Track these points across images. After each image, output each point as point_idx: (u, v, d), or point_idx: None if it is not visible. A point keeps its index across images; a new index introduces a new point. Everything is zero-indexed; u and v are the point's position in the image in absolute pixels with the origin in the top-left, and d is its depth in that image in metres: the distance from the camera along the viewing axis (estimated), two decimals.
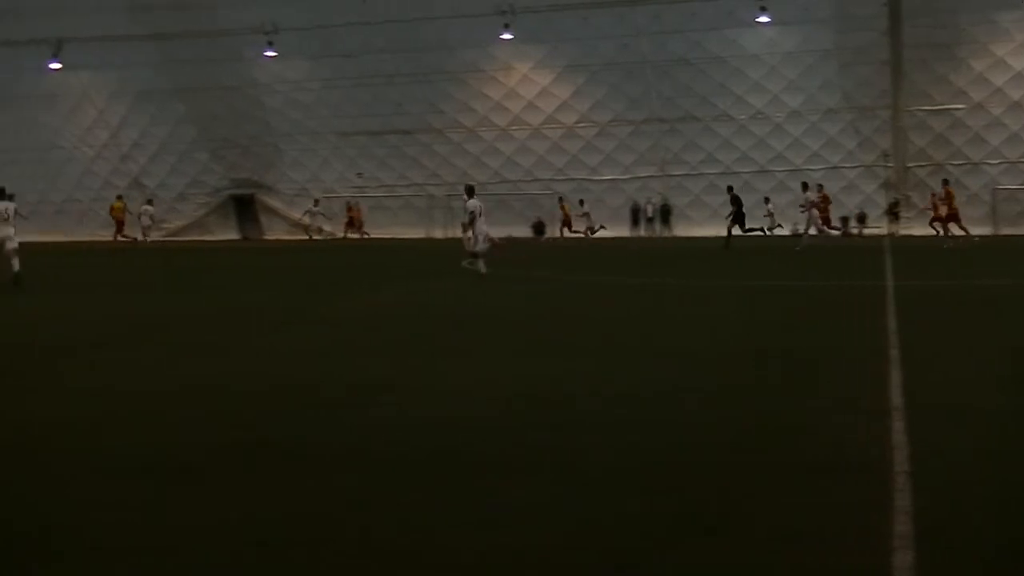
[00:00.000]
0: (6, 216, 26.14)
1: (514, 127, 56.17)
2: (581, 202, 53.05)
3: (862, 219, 52.10)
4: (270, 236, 59.34)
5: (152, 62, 57.33)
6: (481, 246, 25.98)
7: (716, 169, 54.16)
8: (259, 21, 54.56)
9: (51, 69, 58.34)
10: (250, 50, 56.29)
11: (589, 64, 53.92)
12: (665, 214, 55.63)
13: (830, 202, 44.21)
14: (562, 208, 52.46)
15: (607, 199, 55.81)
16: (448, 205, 55.85)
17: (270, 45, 55.28)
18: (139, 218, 53.67)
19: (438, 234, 55.50)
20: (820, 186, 43.18)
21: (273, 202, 59.93)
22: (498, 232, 51.03)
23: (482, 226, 26.09)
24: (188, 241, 57.17)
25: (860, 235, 49.90)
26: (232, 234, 60.68)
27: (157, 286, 24.41)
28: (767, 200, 51.82)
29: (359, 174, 57.88)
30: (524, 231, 53.78)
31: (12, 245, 25.78)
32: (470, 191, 27.24)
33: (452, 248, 41.69)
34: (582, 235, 51.59)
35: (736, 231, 41.07)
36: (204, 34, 55.41)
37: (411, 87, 55.43)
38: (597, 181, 55.90)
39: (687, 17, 51.09)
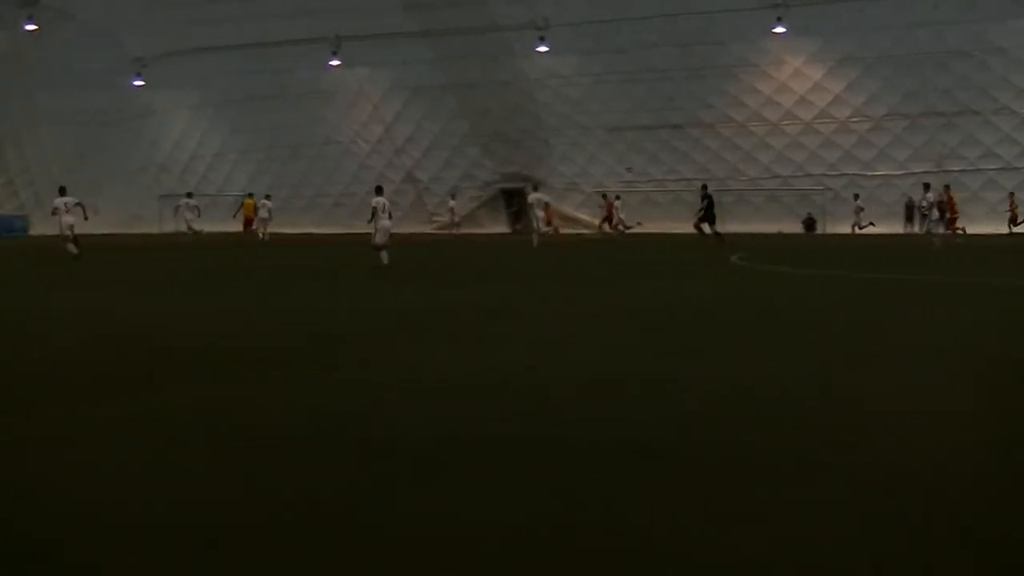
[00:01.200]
0: (65, 209, 35.04)
1: (785, 122, 57.72)
2: (618, 197, 53.54)
3: None
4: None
5: (426, 58, 61.10)
6: (380, 239, 29.46)
7: (995, 165, 54.48)
8: (531, 17, 57.65)
9: (330, 66, 62.37)
10: (521, 46, 59.27)
11: (863, 57, 55.08)
12: (941, 211, 55.86)
13: (954, 203, 44.03)
14: (606, 204, 52.96)
15: (880, 195, 56.51)
16: (718, 200, 57.52)
17: (541, 40, 58.20)
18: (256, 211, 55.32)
19: (706, 228, 57.02)
20: (947, 186, 43.52)
21: (542, 196, 62.47)
22: (769, 227, 53.00)
23: (384, 222, 29.73)
24: (460, 234, 60.15)
25: None
26: (502, 227, 63.61)
27: (419, 278, 26.14)
28: (856, 197, 52.98)
29: (628, 168, 60.10)
30: (795, 227, 54.91)
31: (67, 227, 34.56)
32: (378, 190, 31.58)
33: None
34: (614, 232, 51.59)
35: (707, 229, 43.90)
36: (477, 30, 58.74)
37: (682, 82, 57.60)
38: (870, 177, 56.65)
39: (967, 7, 51.65)
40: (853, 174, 57.04)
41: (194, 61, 63.98)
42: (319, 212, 66.13)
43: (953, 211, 42.91)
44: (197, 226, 48.71)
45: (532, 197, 45.25)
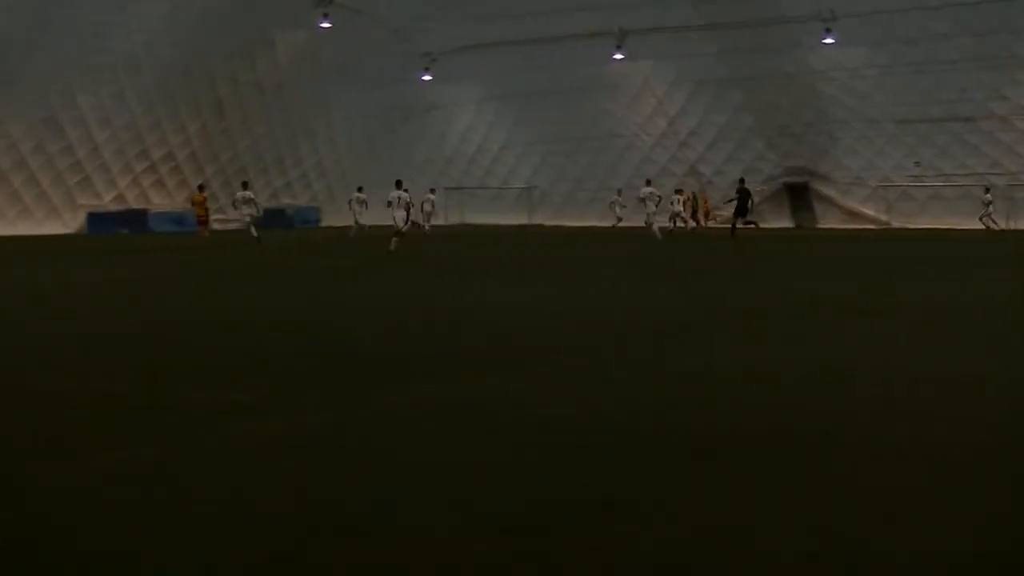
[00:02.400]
0: (243, 200, 44.87)
1: None
2: (679, 191, 57.91)
3: None
4: (823, 225, 62.47)
5: (710, 51, 62.94)
6: (399, 225, 36.01)
7: None
8: (818, 8, 58.41)
9: (614, 60, 64.36)
10: (808, 38, 60.01)
11: None
12: None
13: None
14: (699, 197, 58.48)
15: None
16: (1010, 196, 57.09)
17: (828, 32, 58.63)
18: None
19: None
20: None
21: (827, 191, 63.04)
22: None
23: (399, 211, 36.01)
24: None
25: None
26: (785, 222, 64.37)
27: (710, 272, 27.88)
28: (987, 190, 53.17)
29: (916, 163, 60.13)
30: None
31: (247, 216, 44.41)
32: (397, 184, 37.19)
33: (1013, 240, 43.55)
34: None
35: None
36: (762, 22, 59.89)
37: (974, 73, 57.34)
38: None
39: None
40: None
41: (480, 56, 67.10)
42: (601, 205, 68.21)
43: None
44: (363, 220, 53.95)
45: (644, 191, 51.01)
